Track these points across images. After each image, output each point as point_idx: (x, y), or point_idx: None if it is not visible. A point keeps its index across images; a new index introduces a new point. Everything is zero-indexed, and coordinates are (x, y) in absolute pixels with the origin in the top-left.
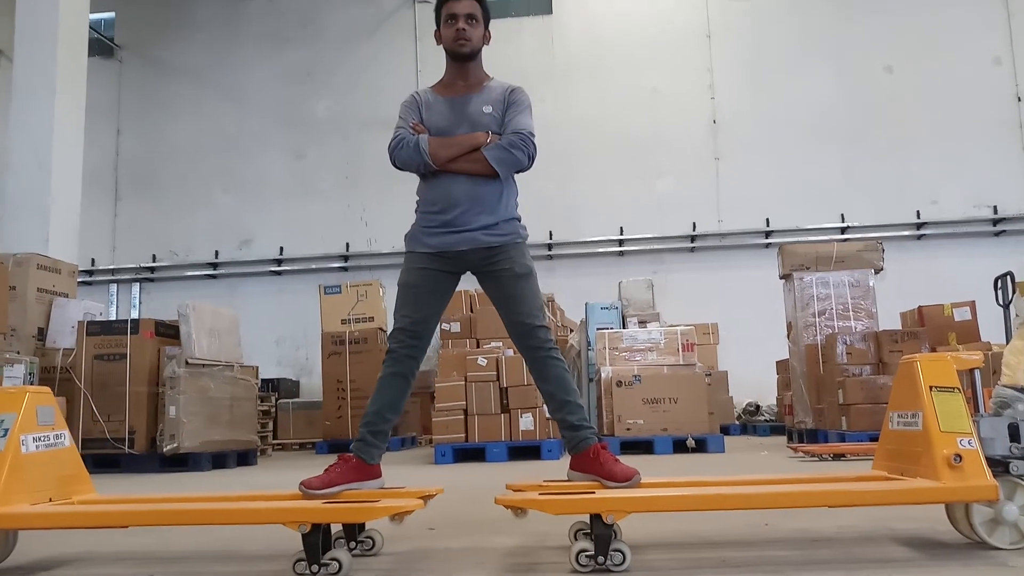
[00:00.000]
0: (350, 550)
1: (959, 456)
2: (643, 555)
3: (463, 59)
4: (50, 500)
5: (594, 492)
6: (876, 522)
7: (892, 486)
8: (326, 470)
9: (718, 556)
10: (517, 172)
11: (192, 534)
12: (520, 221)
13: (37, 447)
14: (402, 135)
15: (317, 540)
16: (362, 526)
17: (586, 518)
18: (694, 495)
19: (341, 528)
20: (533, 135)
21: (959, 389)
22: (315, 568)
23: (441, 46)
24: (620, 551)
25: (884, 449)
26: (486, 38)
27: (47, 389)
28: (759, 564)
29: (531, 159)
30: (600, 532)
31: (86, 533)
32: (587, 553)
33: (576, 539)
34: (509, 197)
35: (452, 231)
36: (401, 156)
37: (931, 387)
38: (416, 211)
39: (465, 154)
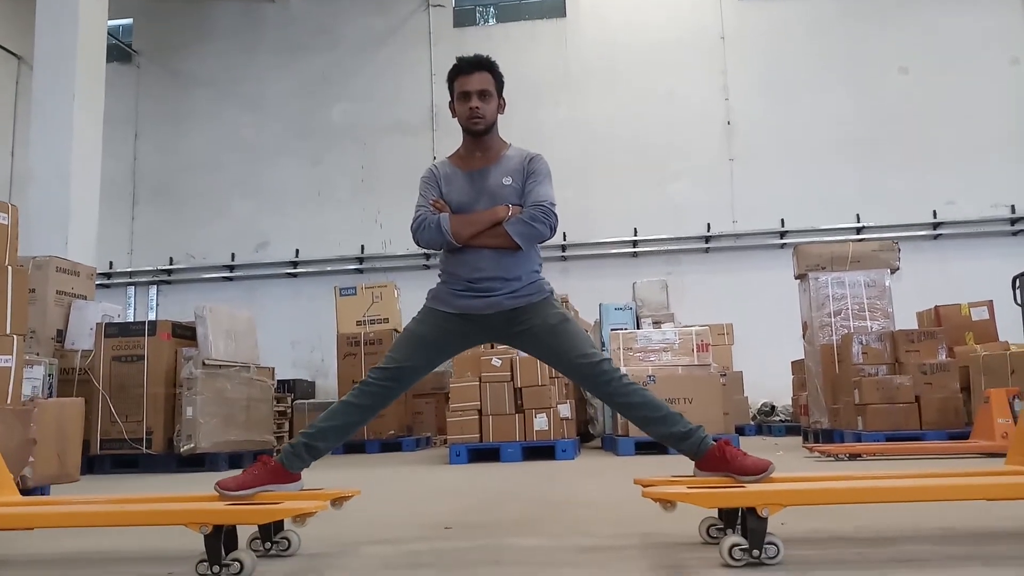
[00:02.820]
0: (265, 551)
1: None
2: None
3: (478, 135)
4: None
5: (744, 486)
6: (893, 522)
7: None
8: (243, 472)
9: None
10: (540, 243)
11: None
12: (544, 279)
13: None
14: (423, 215)
15: (218, 541)
16: (280, 527)
17: (715, 513)
18: (861, 488)
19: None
20: (554, 205)
21: None
22: (216, 569)
23: (456, 120)
24: (774, 544)
25: None
26: (501, 107)
27: None
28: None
29: (552, 230)
30: (755, 526)
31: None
32: (741, 547)
33: (710, 534)
34: (532, 261)
35: (478, 295)
36: (424, 236)
37: None
38: (440, 277)
39: (487, 229)
